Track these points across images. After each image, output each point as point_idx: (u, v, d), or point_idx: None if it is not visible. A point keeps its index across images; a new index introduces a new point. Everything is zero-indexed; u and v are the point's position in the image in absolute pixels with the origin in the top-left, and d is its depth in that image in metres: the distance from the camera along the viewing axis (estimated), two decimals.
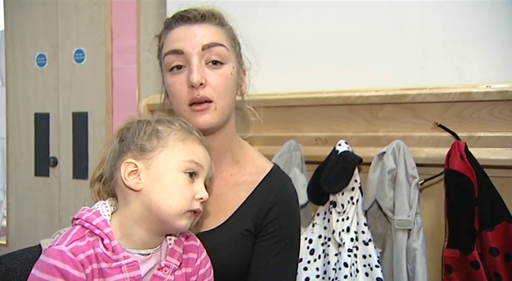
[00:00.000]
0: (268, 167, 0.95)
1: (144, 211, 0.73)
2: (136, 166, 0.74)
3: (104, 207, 0.76)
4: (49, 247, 0.69)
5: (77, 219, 0.73)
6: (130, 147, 0.75)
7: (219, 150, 0.91)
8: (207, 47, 0.84)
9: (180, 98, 0.85)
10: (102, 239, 0.71)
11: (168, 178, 0.73)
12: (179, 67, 0.85)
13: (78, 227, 0.72)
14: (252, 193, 0.91)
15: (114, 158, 0.77)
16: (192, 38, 0.85)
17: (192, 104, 0.84)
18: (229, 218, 0.89)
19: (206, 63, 0.85)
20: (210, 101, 0.84)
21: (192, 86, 0.82)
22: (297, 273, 0.93)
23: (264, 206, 0.89)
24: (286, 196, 0.92)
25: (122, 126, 0.80)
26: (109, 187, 0.78)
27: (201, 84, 0.83)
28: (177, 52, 0.85)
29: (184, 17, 0.86)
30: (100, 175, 0.80)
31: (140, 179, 0.73)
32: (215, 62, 0.85)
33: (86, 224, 0.72)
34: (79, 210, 0.75)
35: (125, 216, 0.74)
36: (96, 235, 0.71)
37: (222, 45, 0.86)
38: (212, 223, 0.90)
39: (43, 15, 1.93)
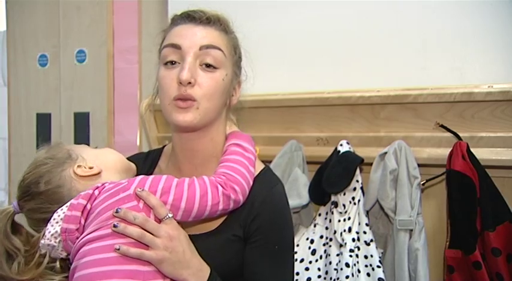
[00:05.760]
0: (257, 170, 0.93)
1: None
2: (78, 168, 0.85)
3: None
4: None
5: None
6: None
7: (204, 154, 0.92)
8: (204, 48, 0.85)
9: (167, 92, 0.85)
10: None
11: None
12: (173, 62, 0.86)
13: None
14: None
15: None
16: (193, 37, 0.85)
17: (177, 99, 0.84)
18: (219, 224, 0.88)
19: (200, 65, 0.85)
20: (194, 100, 0.84)
21: (180, 83, 0.83)
22: (293, 277, 0.92)
23: (251, 212, 0.88)
24: (271, 203, 0.89)
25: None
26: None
27: (190, 83, 0.83)
28: (175, 46, 0.85)
29: (190, 17, 0.88)
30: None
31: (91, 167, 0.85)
32: (209, 66, 0.86)
33: None
34: None
35: None
36: None
37: (219, 49, 0.86)
38: (201, 227, 0.88)
39: (44, 16, 1.92)
